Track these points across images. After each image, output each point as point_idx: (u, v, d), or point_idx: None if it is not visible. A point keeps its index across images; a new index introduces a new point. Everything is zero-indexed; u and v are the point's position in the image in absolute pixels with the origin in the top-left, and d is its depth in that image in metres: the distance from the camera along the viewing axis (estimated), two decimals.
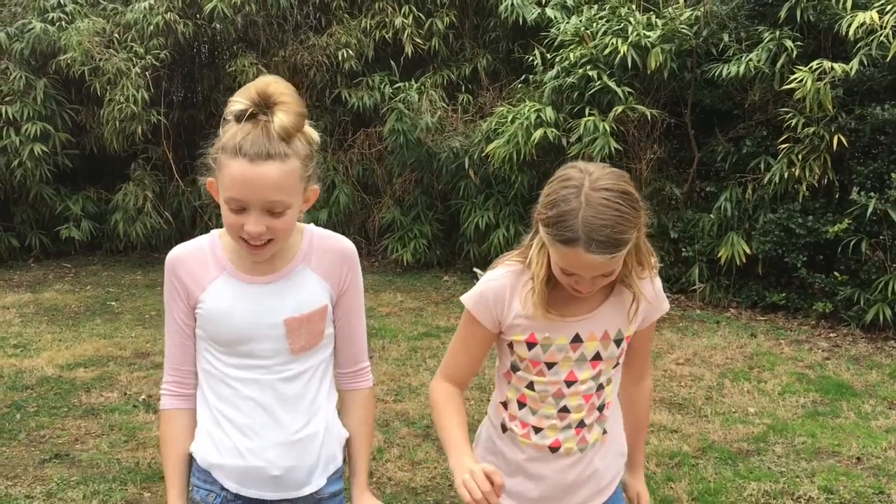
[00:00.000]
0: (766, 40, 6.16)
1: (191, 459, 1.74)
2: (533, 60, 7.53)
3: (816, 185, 6.35)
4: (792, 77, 5.91)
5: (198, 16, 8.36)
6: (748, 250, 6.39)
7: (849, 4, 5.75)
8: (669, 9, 6.86)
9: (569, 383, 1.76)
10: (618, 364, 1.81)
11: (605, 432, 1.83)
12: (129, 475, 3.71)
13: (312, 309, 1.68)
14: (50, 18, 8.17)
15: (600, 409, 1.81)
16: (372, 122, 8.51)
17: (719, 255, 6.50)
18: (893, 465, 3.83)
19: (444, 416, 1.74)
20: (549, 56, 7.33)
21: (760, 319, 6.35)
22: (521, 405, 1.80)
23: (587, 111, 6.75)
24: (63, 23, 8.12)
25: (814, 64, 5.83)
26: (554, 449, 1.79)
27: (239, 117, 1.53)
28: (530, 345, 1.74)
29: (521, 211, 7.41)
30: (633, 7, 7.10)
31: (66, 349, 5.59)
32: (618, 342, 1.77)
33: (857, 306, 5.92)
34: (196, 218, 8.74)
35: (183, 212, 8.74)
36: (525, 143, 6.86)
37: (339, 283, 1.73)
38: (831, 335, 5.94)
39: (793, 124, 6.05)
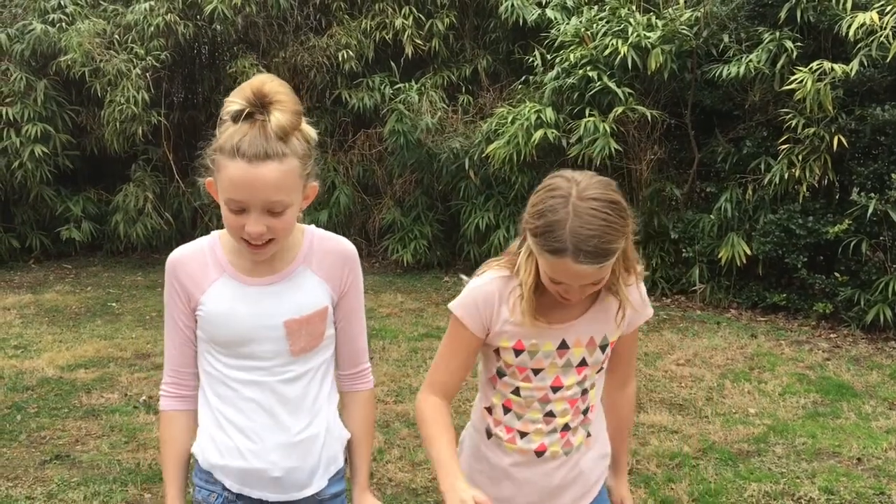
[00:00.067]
0: (766, 41, 6.15)
1: (190, 460, 1.74)
2: (533, 61, 7.53)
3: (817, 185, 6.35)
4: (792, 78, 5.91)
5: (198, 17, 8.36)
6: (748, 251, 6.39)
7: (849, 5, 5.74)
8: (669, 10, 6.87)
9: (555, 389, 1.76)
10: (601, 369, 1.81)
11: (589, 435, 1.84)
12: (129, 476, 3.71)
13: (313, 310, 1.68)
14: (50, 20, 8.17)
15: (585, 412, 1.81)
16: (372, 123, 8.51)
17: (720, 255, 6.50)
18: (894, 465, 3.82)
19: (434, 434, 1.72)
20: (549, 57, 7.33)
21: (761, 320, 6.35)
22: (507, 410, 1.80)
23: (587, 112, 6.75)
24: (63, 24, 8.13)
25: (814, 65, 5.83)
26: (539, 453, 1.79)
27: (235, 117, 1.52)
28: (517, 351, 1.73)
29: (521, 212, 7.39)
30: (634, 8, 7.10)
31: (67, 350, 5.59)
32: (603, 348, 1.77)
33: (857, 307, 5.92)
34: (196, 219, 8.74)
35: (183, 213, 8.74)
36: (525, 143, 6.86)
37: (340, 285, 1.73)
38: (832, 336, 5.93)
39: (793, 125, 6.05)
